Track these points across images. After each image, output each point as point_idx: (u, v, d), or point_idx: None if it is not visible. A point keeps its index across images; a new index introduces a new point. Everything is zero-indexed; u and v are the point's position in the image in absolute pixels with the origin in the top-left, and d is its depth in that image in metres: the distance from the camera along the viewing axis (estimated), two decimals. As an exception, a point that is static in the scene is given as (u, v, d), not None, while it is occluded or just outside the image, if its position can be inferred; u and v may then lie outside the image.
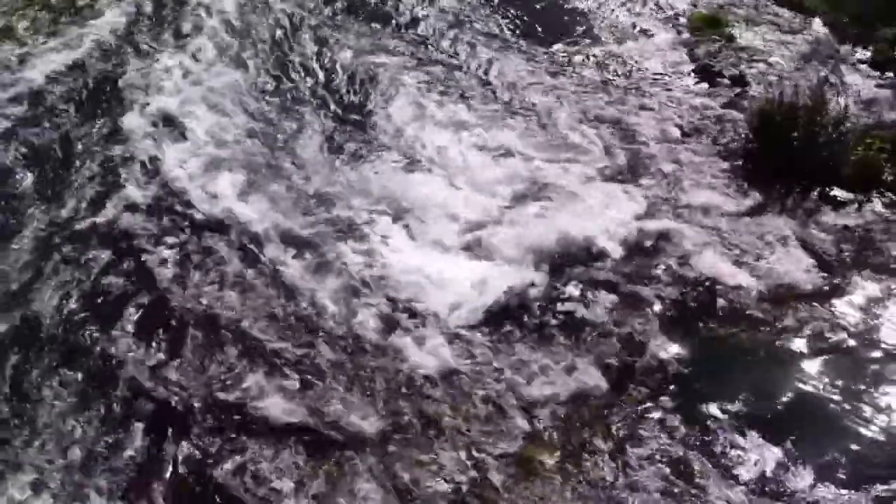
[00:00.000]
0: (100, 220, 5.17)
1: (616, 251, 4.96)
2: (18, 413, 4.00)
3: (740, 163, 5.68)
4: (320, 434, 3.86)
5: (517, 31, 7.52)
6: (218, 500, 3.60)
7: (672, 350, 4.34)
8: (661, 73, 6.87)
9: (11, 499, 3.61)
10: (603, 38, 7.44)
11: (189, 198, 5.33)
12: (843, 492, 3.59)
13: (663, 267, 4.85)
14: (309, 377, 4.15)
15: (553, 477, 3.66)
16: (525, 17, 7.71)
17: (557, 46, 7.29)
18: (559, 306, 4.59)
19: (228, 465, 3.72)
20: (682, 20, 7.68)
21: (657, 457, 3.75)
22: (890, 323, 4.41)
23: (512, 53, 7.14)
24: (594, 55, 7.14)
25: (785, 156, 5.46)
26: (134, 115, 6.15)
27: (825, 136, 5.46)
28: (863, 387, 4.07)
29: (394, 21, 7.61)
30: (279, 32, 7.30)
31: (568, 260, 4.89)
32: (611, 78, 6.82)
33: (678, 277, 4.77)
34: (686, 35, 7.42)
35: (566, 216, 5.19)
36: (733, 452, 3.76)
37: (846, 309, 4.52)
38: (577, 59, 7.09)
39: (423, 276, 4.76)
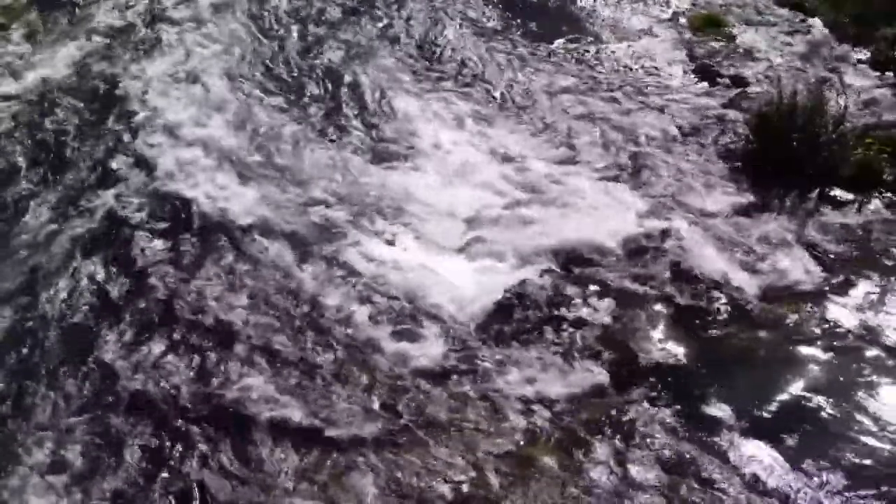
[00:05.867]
0: (95, 217, 5.16)
1: (616, 251, 4.95)
2: (15, 413, 3.98)
3: (740, 163, 5.68)
4: (319, 434, 3.84)
5: (516, 29, 7.51)
6: (216, 500, 3.58)
7: (672, 350, 4.33)
8: (661, 73, 6.86)
9: (8, 501, 3.60)
10: (603, 37, 7.43)
11: (189, 196, 5.31)
12: (844, 492, 3.58)
13: (663, 267, 4.84)
14: (308, 377, 4.14)
15: (553, 477, 3.66)
16: (524, 16, 7.70)
17: (557, 45, 7.29)
18: (559, 306, 4.59)
19: (227, 466, 3.71)
20: (682, 20, 7.68)
21: (657, 457, 3.74)
22: (890, 323, 4.41)
23: (511, 51, 7.13)
24: (594, 54, 7.14)
25: (785, 156, 5.46)
26: (131, 111, 6.15)
27: (825, 136, 5.46)
28: (864, 387, 4.07)
29: (389, 17, 7.60)
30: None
31: (568, 260, 4.89)
32: (611, 77, 6.82)
33: (678, 277, 4.76)
34: (686, 35, 7.41)
35: (566, 216, 5.18)
36: (733, 453, 3.75)
37: (846, 309, 4.52)
38: (578, 57, 7.09)
39: (423, 275, 4.75)
